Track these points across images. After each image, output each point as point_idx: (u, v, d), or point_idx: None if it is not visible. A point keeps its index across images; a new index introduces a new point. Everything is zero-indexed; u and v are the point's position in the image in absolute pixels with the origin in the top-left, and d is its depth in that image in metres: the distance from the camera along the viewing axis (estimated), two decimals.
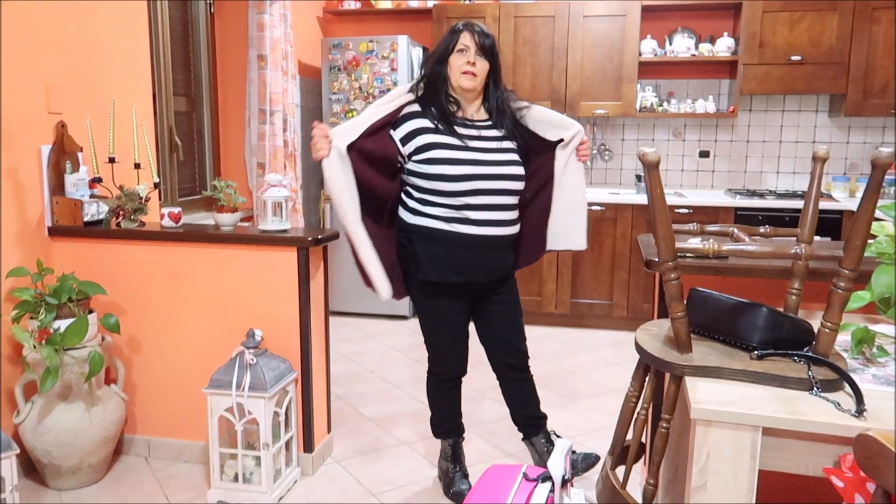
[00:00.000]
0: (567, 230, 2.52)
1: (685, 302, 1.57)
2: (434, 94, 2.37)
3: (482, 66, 2.33)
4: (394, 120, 2.37)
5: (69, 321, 2.50)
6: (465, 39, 2.31)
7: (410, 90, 2.41)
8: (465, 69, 2.31)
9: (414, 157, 2.33)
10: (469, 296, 2.46)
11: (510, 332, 2.55)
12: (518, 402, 2.63)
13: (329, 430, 2.96)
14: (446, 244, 2.33)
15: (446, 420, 2.66)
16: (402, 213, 2.42)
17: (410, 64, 4.83)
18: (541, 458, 2.60)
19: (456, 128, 2.34)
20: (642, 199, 4.63)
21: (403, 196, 2.42)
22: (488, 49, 2.33)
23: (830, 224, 4.31)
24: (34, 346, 2.43)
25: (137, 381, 2.87)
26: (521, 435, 2.70)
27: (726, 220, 4.53)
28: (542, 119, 2.45)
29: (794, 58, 4.54)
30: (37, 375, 2.49)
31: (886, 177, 4.52)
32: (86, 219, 2.78)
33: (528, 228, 2.51)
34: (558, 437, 2.67)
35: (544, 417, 2.67)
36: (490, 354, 2.59)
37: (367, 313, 5.11)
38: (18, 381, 2.58)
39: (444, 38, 2.37)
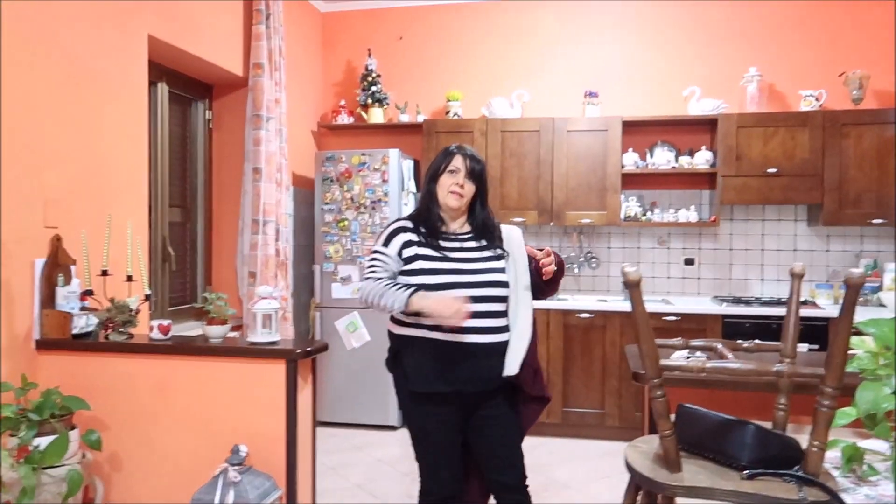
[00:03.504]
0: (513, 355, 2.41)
1: (674, 418, 1.57)
2: (425, 208, 2.49)
3: (469, 189, 2.46)
4: (386, 238, 2.46)
5: (50, 438, 2.44)
6: (457, 162, 2.45)
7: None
8: (453, 189, 2.43)
9: (402, 268, 2.40)
10: (460, 408, 2.43)
11: (503, 448, 2.45)
12: None
13: None
14: (432, 353, 2.35)
15: None
16: (390, 325, 2.46)
17: (401, 175, 4.99)
18: None
19: (439, 241, 2.43)
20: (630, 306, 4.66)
21: None
22: (477, 174, 2.47)
23: (817, 332, 4.34)
24: (12, 465, 2.36)
25: (117, 499, 2.77)
26: None
27: (714, 326, 4.56)
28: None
29: (770, 170, 4.72)
30: (12, 496, 2.40)
31: (867, 284, 4.59)
32: (75, 331, 2.78)
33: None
34: None
35: None
36: (484, 471, 2.50)
37: (355, 423, 5.01)
38: None
39: (437, 157, 2.51)
